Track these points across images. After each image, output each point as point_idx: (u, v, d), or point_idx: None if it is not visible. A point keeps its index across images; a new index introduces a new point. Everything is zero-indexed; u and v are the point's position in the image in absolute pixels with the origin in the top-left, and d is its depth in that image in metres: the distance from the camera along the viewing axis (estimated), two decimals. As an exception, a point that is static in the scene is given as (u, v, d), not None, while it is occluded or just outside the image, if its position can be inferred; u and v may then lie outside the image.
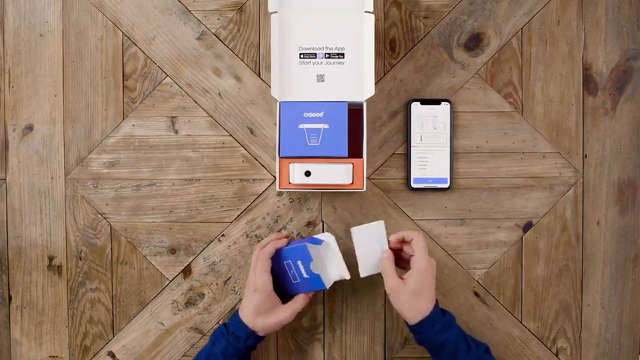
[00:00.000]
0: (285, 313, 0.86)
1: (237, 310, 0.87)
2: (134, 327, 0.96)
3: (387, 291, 0.83)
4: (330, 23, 0.86)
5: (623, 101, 0.96)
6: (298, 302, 0.87)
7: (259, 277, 0.85)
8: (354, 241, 0.85)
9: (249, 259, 0.96)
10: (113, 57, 0.96)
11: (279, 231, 0.95)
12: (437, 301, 0.84)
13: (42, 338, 0.96)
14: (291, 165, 0.87)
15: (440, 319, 0.83)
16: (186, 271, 0.96)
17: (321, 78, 0.86)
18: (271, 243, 0.88)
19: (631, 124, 0.96)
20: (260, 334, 0.86)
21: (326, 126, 0.86)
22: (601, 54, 0.96)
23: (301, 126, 0.87)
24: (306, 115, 0.86)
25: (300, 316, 0.95)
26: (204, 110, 0.96)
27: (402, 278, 0.83)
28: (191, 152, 0.96)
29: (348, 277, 0.85)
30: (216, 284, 0.96)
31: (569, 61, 0.96)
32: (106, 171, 0.96)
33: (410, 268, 0.83)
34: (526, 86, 0.96)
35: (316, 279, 0.86)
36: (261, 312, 0.85)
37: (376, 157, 0.95)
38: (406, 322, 0.84)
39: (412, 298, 0.82)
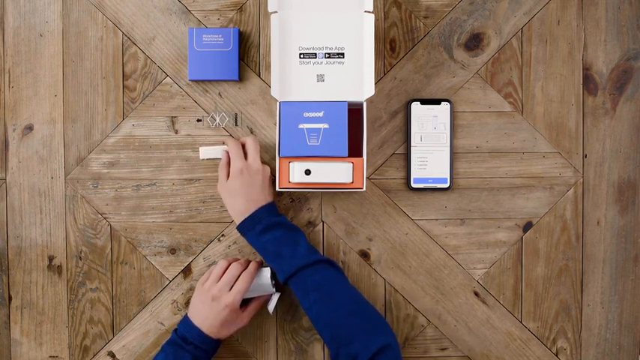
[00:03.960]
0: (246, 319, 0.90)
1: (188, 317, 0.88)
2: (134, 327, 0.96)
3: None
4: (330, 23, 0.86)
5: (623, 101, 0.96)
6: (255, 308, 0.91)
7: (235, 296, 0.86)
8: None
9: (249, 258, 0.95)
10: (113, 57, 0.96)
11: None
12: (270, 204, 0.88)
13: (42, 338, 0.96)
14: (291, 164, 0.87)
15: (265, 219, 0.87)
16: (186, 271, 0.96)
17: (321, 78, 0.86)
18: (253, 264, 0.90)
19: (631, 124, 0.96)
20: (216, 338, 0.88)
21: (326, 126, 0.86)
22: (601, 54, 0.96)
23: (301, 126, 0.86)
24: (306, 114, 0.86)
25: (300, 316, 0.95)
26: (204, 110, 0.96)
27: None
28: (191, 152, 0.96)
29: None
30: (216, 284, 0.96)
31: (569, 61, 0.96)
32: (106, 171, 0.96)
33: None
34: (526, 86, 0.96)
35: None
36: (227, 324, 0.87)
37: (376, 157, 0.95)
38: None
39: (230, 199, 0.88)
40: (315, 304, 0.83)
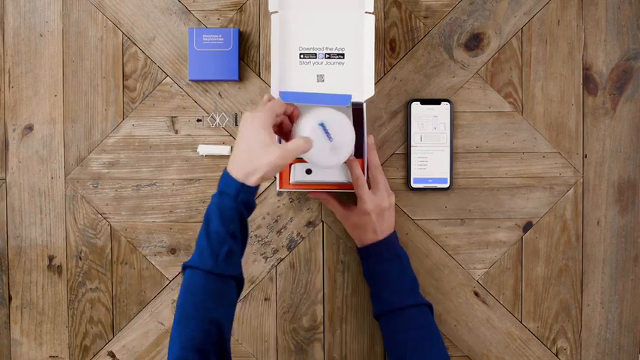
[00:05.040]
0: (278, 151, 0.74)
1: (225, 170, 0.77)
2: (134, 327, 0.96)
3: (337, 216, 0.91)
4: (330, 23, 0.86)
5: (623, 101, 0.96)
6: (294, 145, 0.76)
7: (265, 109, 0.76)
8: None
9: (249, 258, 0.95)
10: (113, 57, 0.96)
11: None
12: (391, 234, 0.88)
13: (42, 338, 0.96)
14: (292, 165, 0.87)
15: (388, 249, 0.87)
16: (187, 271, 0.96)
17: (321, 78, 0.86)
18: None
19: (631, 124, 0.96)
20: (249, 182, 0.74)
21: (326, 126, 0.86)
22: (601, 54, 0.96)
23: (301, 126, 0.86)
24: (306, 115, 0.86)
25: (299, 316, 0.95)
26: (204, 110, 0.96)
27: (350, 207, 0.89)
28: (191, 152, 0.96)
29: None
30: (216, 284, 0.96)
31: (569, 61, 0.96)
32: (106, 171, 0.96)
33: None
34: (526, 86, 0.96)
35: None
36: (252, 151, 0.74)
37: (376, 157, 0.95)
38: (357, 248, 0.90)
39: (355, 230, 0.89)
40: (411, 342, 0.84)
